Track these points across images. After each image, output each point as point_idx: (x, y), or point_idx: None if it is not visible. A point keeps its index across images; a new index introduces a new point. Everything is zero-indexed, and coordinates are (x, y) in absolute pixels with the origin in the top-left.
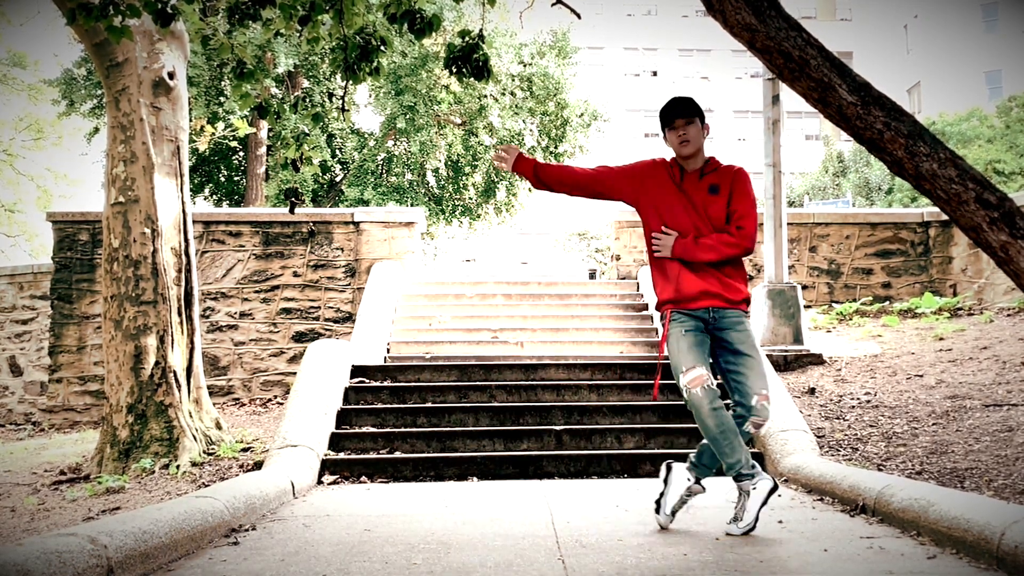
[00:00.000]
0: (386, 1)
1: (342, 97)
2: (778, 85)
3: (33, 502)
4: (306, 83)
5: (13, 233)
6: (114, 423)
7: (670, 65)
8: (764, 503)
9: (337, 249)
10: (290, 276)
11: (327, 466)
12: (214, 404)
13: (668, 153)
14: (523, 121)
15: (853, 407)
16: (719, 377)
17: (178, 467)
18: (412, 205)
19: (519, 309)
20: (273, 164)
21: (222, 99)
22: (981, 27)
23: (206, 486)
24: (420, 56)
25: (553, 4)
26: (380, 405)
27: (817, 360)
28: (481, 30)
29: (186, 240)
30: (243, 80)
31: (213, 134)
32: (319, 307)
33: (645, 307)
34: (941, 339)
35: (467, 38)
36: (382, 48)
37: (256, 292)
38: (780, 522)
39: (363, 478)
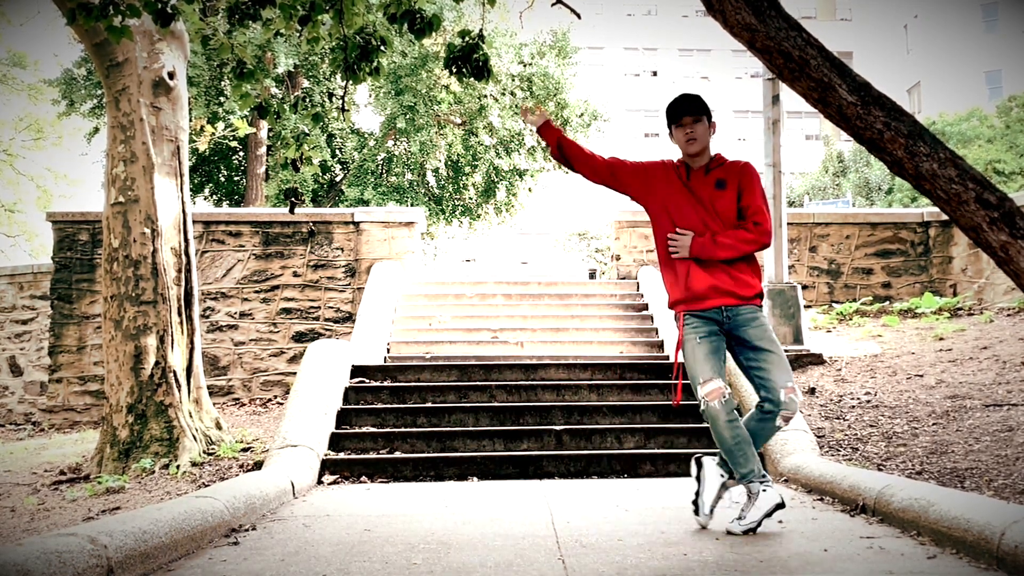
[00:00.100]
0: (386, 1)
1: (342, 97)
2: (778, 85)
3: (33, 502)
4: (306, 83)
5: (13, 233)
6: (114, 423)
7: (670, 65)
8: (768, 515)
9: (337, 249)
10: (290, 276)
11: (327, 466)
12: (214, 404)
13: (668, 153)
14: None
15: (853, 407)
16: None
17: (178, 467)
18: (412, 205)
19: (519, 309)
20: (273, 164)
21: (222, 99)
22: (981, 27)
23: (206, 486)
24: (420, 56)
25: (553, 4)
26: (380, 405)
27: (817, 360)
28: (481, 30)
29: (186, 240)
30: (243, 80)
31: (213, 134)
32: (319, 307)
33: (645, 307)
34: (941, 339)
35: (467, 38)
36: (382, 48)
37: (256, 292)
38: (780, 522)
39: (363, 478)
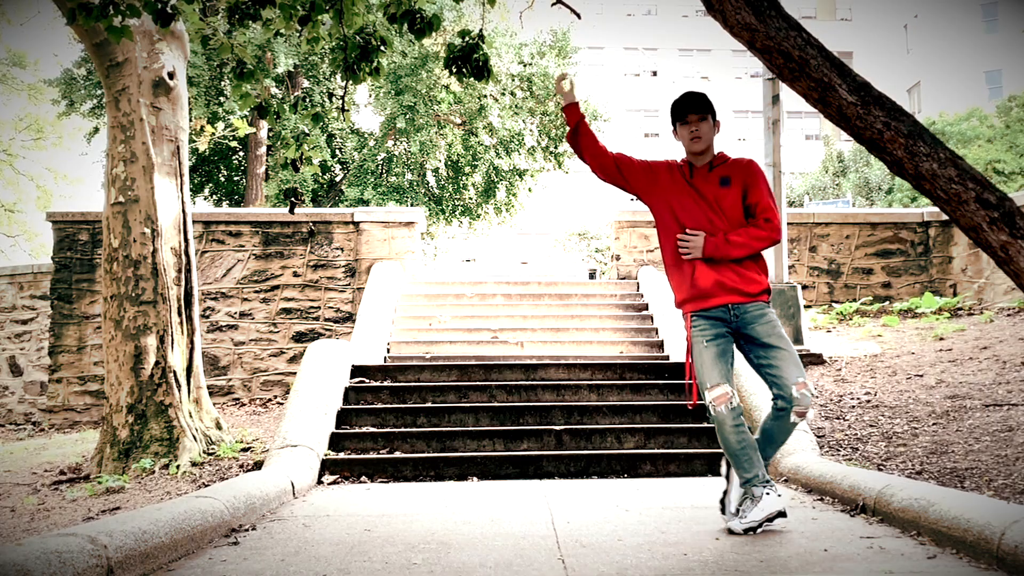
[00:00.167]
0: (386, 1)
1: (342, 97)
2: (778, 85)
3: (33, 502)
4: (306, 83)
5: (13, 233)
6: (114, 423)
7: (670, 65)
8: (769, 519)
9: (337, 249)
10: (290, 276)
11: (327, 466)
12: (214, 404)
13: (668, 152)
14: (523, 121)
15: (853, 407)
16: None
17: (178, 467)
18: (412, 205)
19: (519, 309)
20: (273, 164)
21: (222, 99)
22: (981, 27)
23: (206, 486)
24: (420, 56)
25: (553, 4)
26: (380, 405)
27: (817, 360)
28: (481, 30)
29: (186, 240)
30: (243, 80)
31: (213, 134)
32: (319, 307)
33: (645, 307)
34: (941, 339)
35: (467, 38)
36: (382, 48)
37: (256, 292)
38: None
39: (363, 478)
